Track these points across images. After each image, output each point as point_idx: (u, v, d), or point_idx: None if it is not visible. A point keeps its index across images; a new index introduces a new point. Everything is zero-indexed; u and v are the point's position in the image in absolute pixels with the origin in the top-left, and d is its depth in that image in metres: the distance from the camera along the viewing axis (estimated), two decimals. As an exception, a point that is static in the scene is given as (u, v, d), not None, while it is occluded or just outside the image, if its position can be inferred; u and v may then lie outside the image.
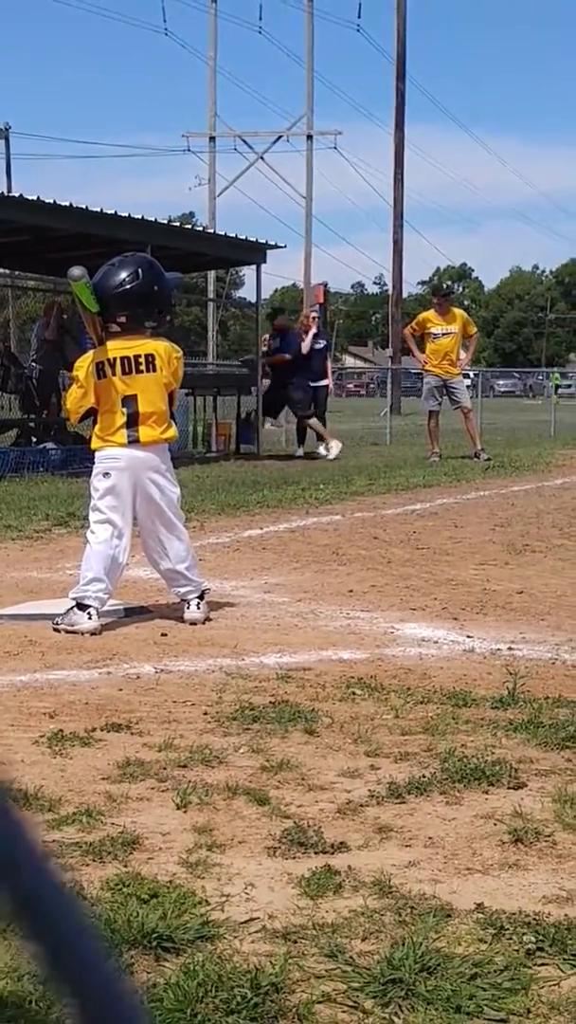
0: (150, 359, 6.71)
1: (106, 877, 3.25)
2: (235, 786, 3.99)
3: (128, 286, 6.59)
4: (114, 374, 6.65)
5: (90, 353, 6.76)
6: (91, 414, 6.82)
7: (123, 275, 6.61)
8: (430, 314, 19.19)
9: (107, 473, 6.66)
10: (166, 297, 7.00)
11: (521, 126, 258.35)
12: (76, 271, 6.53)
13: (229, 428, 22.40)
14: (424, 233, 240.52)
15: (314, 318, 22.49)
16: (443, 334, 18.82)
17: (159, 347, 6.77)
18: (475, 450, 19.03)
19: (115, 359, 6.66)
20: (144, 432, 6.68)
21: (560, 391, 46.16)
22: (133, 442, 6.66)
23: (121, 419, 6.65)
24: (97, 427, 6.75)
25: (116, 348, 6.67)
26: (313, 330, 21.86)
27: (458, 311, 19.71)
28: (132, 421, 6.66)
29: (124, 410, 6.65)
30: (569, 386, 63.74)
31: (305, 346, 21.40)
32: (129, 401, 6.67)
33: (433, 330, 18.92)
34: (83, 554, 6.71)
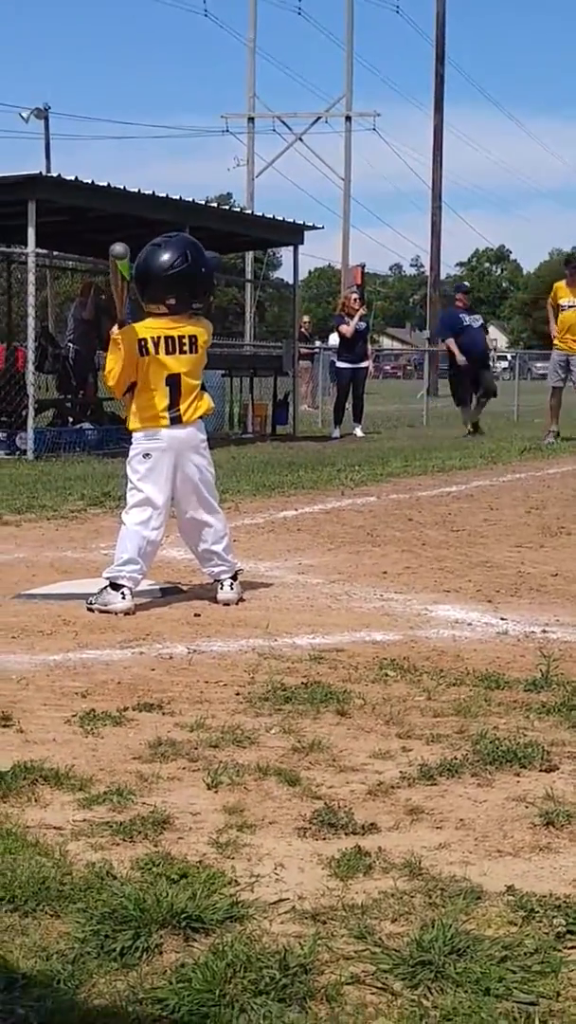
0: (193, 340, 6.71)
1: (136, 857, 3.26)
2: (266, 767, 3.99)
3: (178, 268, 6.59)
4: (156, 352, 6.63)
5: (130, 326, 6.73)
6: (131, 388, 6.78)
7: (172, 257, 6.60)
8: (561, 284, 18.06)
9: (148, 454, 6.65)
10: (211, 279, 6.99)
11: (561, 108, 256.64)
12: (120, 248, 6.59)
13: (265, 409, 22.40)
14: (462, 215, 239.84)
15: (356, 299, 22.44)
16: (569, 306, 17.73)
17: (199, 329, 6.75)
18: None
19: (158, 338, 6.64)
20: (185, 411, 6.68)
21: None
22: (175, 421, 6.66)
23: (164, 400, 6.64)
24: (135, 407, 6.71)
25: (158, 328, 6.65)
26: (361, 311, 21.86)
27: None
28: (175, 401, 6.66)
29: (167, 388, 6.64)
30: None
31: (349, 329, 21.36)
32: (173, 380, 6.66)
33: (562, 301, 17.87)
34: (118, 534, 6.71)
